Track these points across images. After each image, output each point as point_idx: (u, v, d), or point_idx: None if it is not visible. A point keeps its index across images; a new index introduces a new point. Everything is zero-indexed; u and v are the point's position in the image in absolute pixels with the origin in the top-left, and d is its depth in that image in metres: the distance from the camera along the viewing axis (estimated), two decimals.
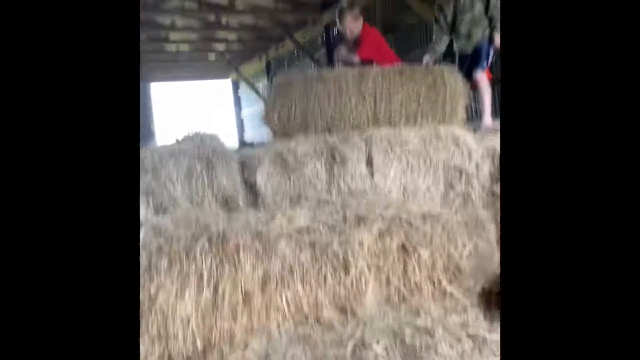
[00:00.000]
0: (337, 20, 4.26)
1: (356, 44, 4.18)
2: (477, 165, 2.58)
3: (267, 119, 3.20)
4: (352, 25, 4.18)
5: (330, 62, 9.70)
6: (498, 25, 3.43)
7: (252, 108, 14.81)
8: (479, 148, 2.62)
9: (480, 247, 2.43)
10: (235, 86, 15.87)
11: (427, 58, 3.56)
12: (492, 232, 2.58)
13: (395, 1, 7.62)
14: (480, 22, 3.48)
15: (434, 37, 3.75)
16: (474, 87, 3.55)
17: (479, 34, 3.49)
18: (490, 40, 3.45)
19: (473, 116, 4.89)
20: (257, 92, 13.61)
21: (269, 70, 13.01)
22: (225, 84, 16.38)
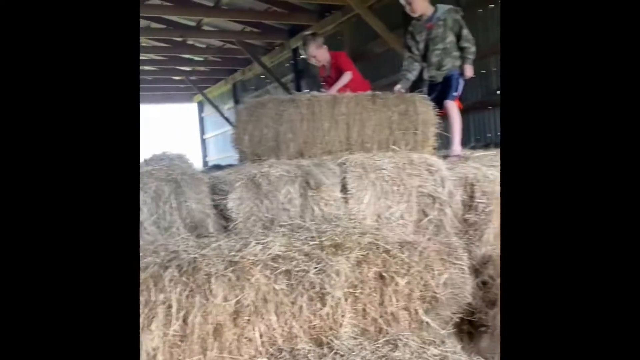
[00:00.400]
0: (302, 48, 4.35)
1: (335, 70, 4.22)
2: (449, 193, 2.57)
3: (237, 141, 3.13)
4: (316, 52, 4.24)
5: (299, 87, 9.74)
6: (470, 57, 3.51)
7: (217, 131, 14.66)
8: (451, 175, 2.62)
9: (454, 276, 2.40)
10: (200, 108, 15.70)
11: (398, 87, 3.58)
12: (465, 260, 2.57)
13: (364, 30, 7.73)
14: (452, 53, 3.54)
15: (404, 65, 3.76)
16: (443, 115, 3.59)
17: (450, 63, 3.54)
18: (461, 71, 3.51)
19: (443, 144, 4.96)
20: (222, 115, 13.49)
21: (235, 93, 12.94)
22: (190, 106, 16.20)
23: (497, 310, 2.56)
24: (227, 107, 13.56)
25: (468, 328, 2.65)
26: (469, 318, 2.54)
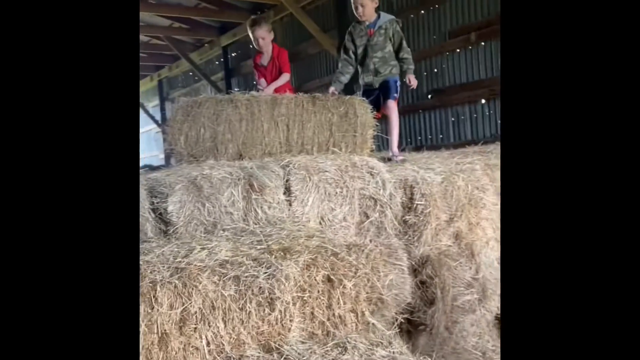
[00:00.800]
0: (250, 29, 4.23)
1: (274, 64, 4.18)
2: (390, 195, 2.62)
3: (172, 142, 3.02)
4: (266, 35, 4.16)
5: (229, 85, 9.58)
6: (411, 67, 3.60)
7: (141, 129, 14.10)
8: (391, 178, 2.67)
9: (395, 276, 2.46)
10: None
11: (332, 89, 3.60)
12: (405, 260, 2.64)
13: (296, 30, 7.74)
14: (389, 62, 3.61)
15: (339, 67, 3.77)
16: (380, 118, 3.66)
17: (387, 71, 3.61)
18: (402, 80, 3.60)
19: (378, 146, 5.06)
20: (147, 112, 12.99)
21: (160, 90, 12.52)
22: None
23: (434, 308, 2.64)
24: (152, 104, 13.10)
25: (407, 327, 2.72)
26: (408, 317, 2.61)
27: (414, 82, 3.58)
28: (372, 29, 3.59)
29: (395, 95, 3.58)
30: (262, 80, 4.17)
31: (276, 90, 3.97)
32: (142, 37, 10.32)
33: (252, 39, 4.19)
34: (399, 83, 3.63)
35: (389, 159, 3.34)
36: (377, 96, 3.62)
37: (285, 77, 4.11)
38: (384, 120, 3.58)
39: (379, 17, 3.61)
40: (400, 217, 2.70)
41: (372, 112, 3.33)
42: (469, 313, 2.77)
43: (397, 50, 3.61)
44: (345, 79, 3.73)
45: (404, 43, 3.62)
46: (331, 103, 3.15)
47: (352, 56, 3.70)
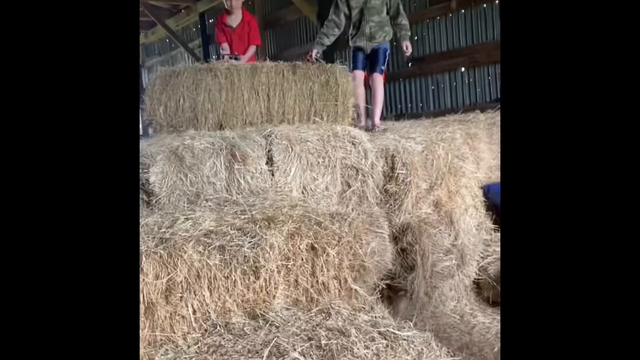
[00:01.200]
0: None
1: (242, 29, 4.14)
2: (372, 164, 2.65)
3: (150, 112, 3.00)
4: (238, 3, 4.13)
5: (207, 52, 9.40)
6: (408, 33, 3.56)
7: None
8: (373, 147, 2.69)
9: (377, 244, 2.51)
10: None
11: (314, 51, 3.51)
12: (386, 228, 2.69)
13: None
14: (384, 27, 3.55)
15: (324, 29, 3.63)
16: (367, 86, 3.65)
17: (381, 37, 3.55)
18: (400, 47, 3.57)
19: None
20: None
21: None
22: None
23: (414, 274, 2.71)
24: None
25: (388, 292, 2.79)
26: (389, 283, 2.68)
27: (410, 49, 3.55)
28: None
29: (383, 67, 3.56)
30: (226, 45, 4.13)
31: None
32: None
33: None
34: (388, 52, 3.59)
35: (370, 130, 3.36)
36: (364, 64, 3.59)
37: (252, 50, 4.11)
38: (367, 89, 3.58)
39: None
40: (381, 186, 2.73)
41: (359, 69, 3.32)
42: (447, 278, 2.85)
43: (394, 16, 3.55)
44: (328, 41, 3.63)
45: (402, 8, 3.56)
46: (312, 72, 3.13)
47: (342, 19, 3.59)
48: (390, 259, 2.66)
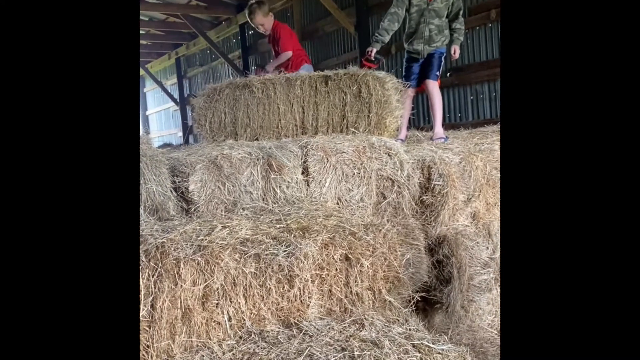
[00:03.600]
0: (248, 17, 4.26)
1: (276, 42, 4.20)
2: (408, 176, 2.63)
3: (198, 127, 3.13)
4: (263, 20, 4.19)
5: (246, 63, 9.57)
6: (461, 39, 3.49)
7: (159, 107, 14.21)
8: (409, 158, 2.68)
9: (411, 256, 2.48)
10: (141, 83, 15.13)
11: (372, 49, 3.41)
12: (422, 240, 2.66)
13: (313, 7, 7.67)
14: (444, 31, 3.46)
15: (384, 23, 3.43)
16: (421, 92, 3.62)
17: (440, 42, 3.46)
18: (448, 50, 3.48)
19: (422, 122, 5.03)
20: (165, 90, 13.06)
21: (178, 68, 12.54)
22: None
23: (450, 287, 2.67)
24: (170, 82, 13.15)
25: (423, 305, 2.76)
26: (424, 296, 2.64)
27: (457, 54, 3.47)
28: None
29: (437, 73, 3.46)
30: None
31: (282, 67, 3.98)
32: (160, 15, 10.34)
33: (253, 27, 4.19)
34: (445, 55, 3.49)
35: (434, 139, 3.33)
36: (421, 69, 3.50)
37: (283, 56, 4.11)
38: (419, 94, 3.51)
39: None
40: (417, 197, 2.71)
41: (410, 86, 3.29)
42: (485, 292, 2.80)
43: (453, 19, 3.46)
44: (387, 38, 3.48)
45: (461, 13, 3.46)
46: (344, 82, 3.13)
47: (403, 11, 3.43)
48: (425, 271, 2.63)
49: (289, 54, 4.15)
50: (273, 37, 4.26)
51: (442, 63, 3.51)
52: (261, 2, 4.26)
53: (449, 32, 3.48)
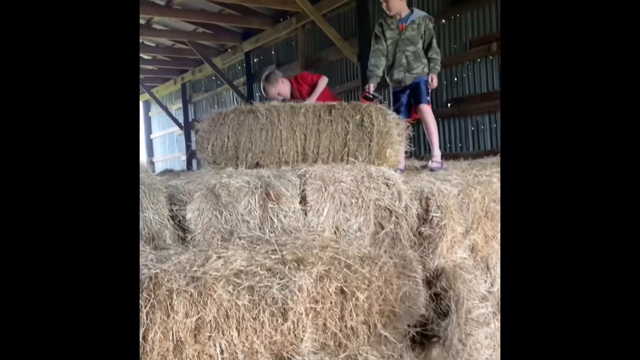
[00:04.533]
0: (265, 93, 4.25)
1: (301, 91, 4.21)
2: (406, 206, 2.63)
3: (200, 150, 3.15)
4: (280, 89, 4.20)
5: (251, 90, 9.67)
6: (437, 68, 3.52)
7: (163, 131, 14.32)
8: (408, 189, 2.68)
9: (408, 288, 2.46)
10: (146, 107, 15.29)
11: (371, 85, 3.51)
12: (419, 272, 2.63)
13: (318, 37, 7.79)
14: (421, 58, 3.52)
15: (372, 60, 3.60)
16: (416, 120, 3.64)
17: (419, 68, 3.52)
18: (429, 79, 3.52)
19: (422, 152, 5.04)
20: (170, 115, 13.18)
21: (184, 94, 12.68)
22: None
23: (448, 321, 2.64)
24: (176, 107, 13.28)
25: (420, 339, 2.72)
26: (421, 330, 2.61)
27: (435, 83, 3.51)
28: (404, 23, 3.51)
29: (427, 97, 3.50)
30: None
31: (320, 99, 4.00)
32: (167, 42, 10.51)
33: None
34: (429, 83, 3.53)
35: (433, 169, 3.35)
36: (408, 99, 3.56)
37: (323, 82, 4.12)
38: (416, 123, 3.54)
39: (411, 12, 3.55)
40: (415, 228, 2.70)
41: (402, 118, 3.30)
42: (483, 326, 2.76)
43: (427, 49, 3.53)
44: (380, 72, 3.59)
45: (434, 42, 3.53)
46: (347, 112, 3.15)
47: (384, 45, 3.58)
48: (423, 304, 2.59)
49: (326, 78, 4.17)
50: (297, 91, 4.25)
51: (429, 90, 3.56)
52: (269, 74, 4.28)
53: (427, 61, 3.54)
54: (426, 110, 3.52)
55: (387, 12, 3.55)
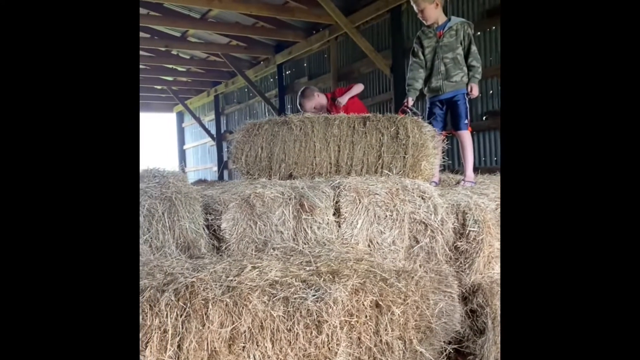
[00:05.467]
0: (302, 108, 4.28)
1: (335, 106, 4.24)
2: (442, 220, 2.58)
3: (234, 160, 3.17)
4: (316, 102, 4.24)
5: (283, 102, 9.75)
6: (477, 76, 3.42)
7: (196, 142, 14.56)
8: (444, 203, 2.63)
9: (445, 304, 2.40)
10: (180, 119, 15.59)
11: (409, 100, 3.46)
12: (455, 288, 2.58)
13: (350, 49, 7.80)
14: (461, 66, 3.42)
15: (410, 74, 3.54)
16: (450, 134, 3.59)
17: (459, 76, 3.42)
18: (468, 89, 3.42)
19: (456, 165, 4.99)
20: (203, 126, 13.40)
21: (216, 105, 12.89)
22: (168, 116, 16.08)
23: (484, 338, 2.57)
24: (208, 118, 13.49)
25: (455, 356, 2.65)
26: (456, 347, 2.54)
27: (475, 92, 3.39)
28: (442, 30, 3.44)
29: (466, 122, 3.41)
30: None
31: (350, 103, 4.02)
32: (201, 54, 10.71)
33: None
34: (468, 100, 3.43)
35: (464, 183, 3.31)
36: (445, 112, 3.50)
37: (358, 87, 4.15)
38: (451, 136, 3.49)
39: (449, 19, 3.47)
40: (451, 243, 2.65)
41: (439, 133, 3.26)
42: None
43: (466, 55, 3.42)
44: (419, 85, 3.53)
45: (474, 48, 3.42)
46: (382, 123, 3.13)
47: (422, 58, 3.52)
48: (459, 321, 2.53)
49: (361, 85, 4.20)
50: (332, 106, 4.29)
51: (468, 109, 3.45)
52: (305, 89, 4.31)
53: (466, 69, 3.43)
54: (464, 135, 3.43)
55: (424, 22, 3.49)
